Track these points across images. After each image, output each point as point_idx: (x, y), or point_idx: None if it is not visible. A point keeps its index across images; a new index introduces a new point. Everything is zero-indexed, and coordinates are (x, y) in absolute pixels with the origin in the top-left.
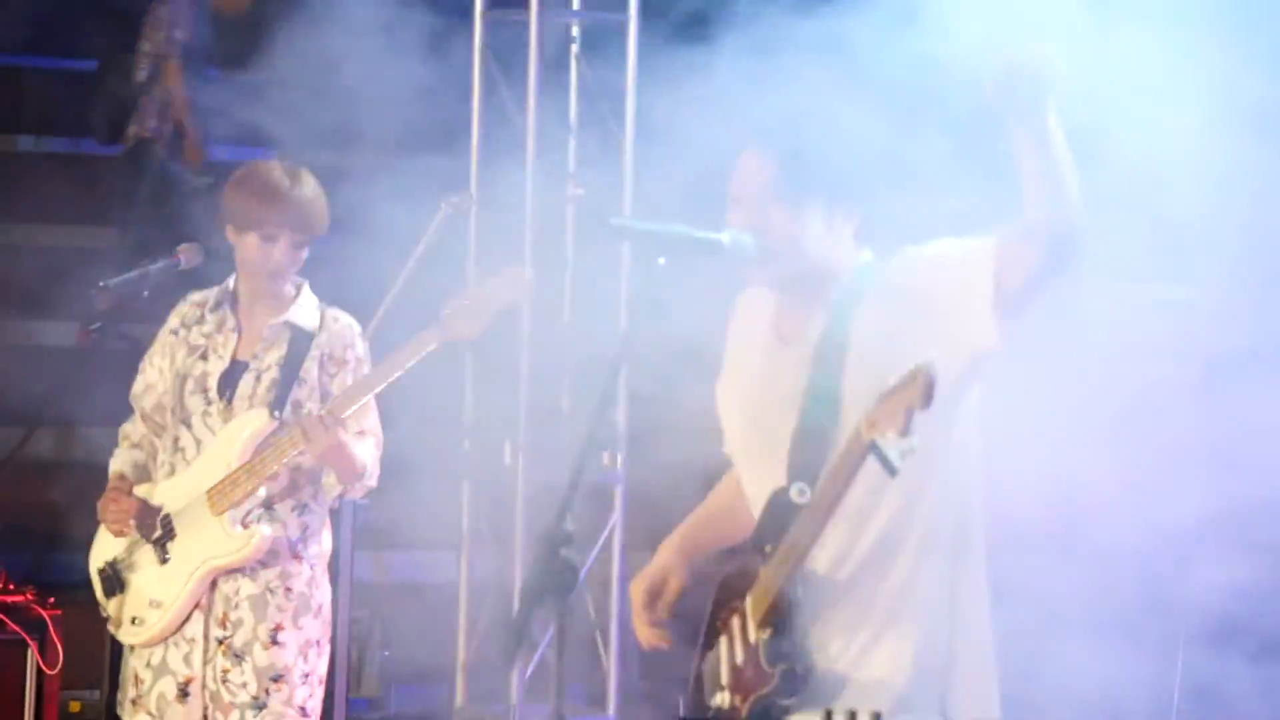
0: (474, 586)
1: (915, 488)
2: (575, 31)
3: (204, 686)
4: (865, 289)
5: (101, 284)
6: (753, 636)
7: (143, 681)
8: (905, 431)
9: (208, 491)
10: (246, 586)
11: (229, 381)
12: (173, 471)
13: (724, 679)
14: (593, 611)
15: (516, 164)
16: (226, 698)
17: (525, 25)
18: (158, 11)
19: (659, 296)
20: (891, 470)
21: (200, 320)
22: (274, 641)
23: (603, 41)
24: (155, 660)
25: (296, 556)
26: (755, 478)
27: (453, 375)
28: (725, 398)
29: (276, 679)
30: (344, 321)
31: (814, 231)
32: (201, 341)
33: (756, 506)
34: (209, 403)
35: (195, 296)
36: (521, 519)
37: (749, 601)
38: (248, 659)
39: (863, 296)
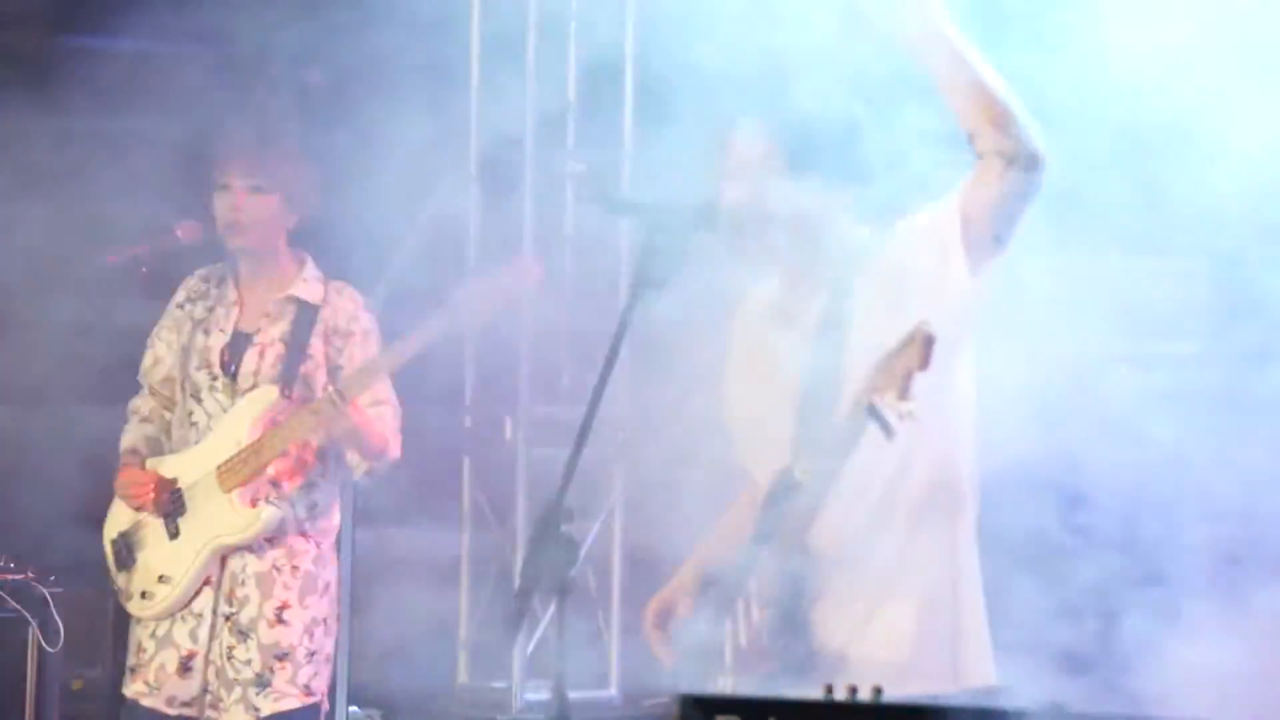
0: (475, 563)
1: (908, 453)
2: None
3: (208, 662)
4: (863, 265)
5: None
6: (755, 615)
7: (144, 651)
8: (904, 395)
9: (217, 468)
10: (254, 564)
11: (233, 355)
12: (184, 445)
13: (729, 659)
14: (594, 587)
15: (516, 142)
16: (230, 674)
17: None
18: None
19: (659, 273)
20: (889, 432)
21: (204, 295)
22: (279, 620)
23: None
24: (160, 632)
25: (304, 534)
26: (763, 460)
27: (453, 353)
28: (730, 392)
29: (281, 657)
30: (347, 294)
31: (812, 204)
32: (204, 315)
33: (763, 490)
34: (214, 377)
35: (201, 271)
36: (522, 496)
37: (751, 582)
38: (253, 636)
39: (861, 273)
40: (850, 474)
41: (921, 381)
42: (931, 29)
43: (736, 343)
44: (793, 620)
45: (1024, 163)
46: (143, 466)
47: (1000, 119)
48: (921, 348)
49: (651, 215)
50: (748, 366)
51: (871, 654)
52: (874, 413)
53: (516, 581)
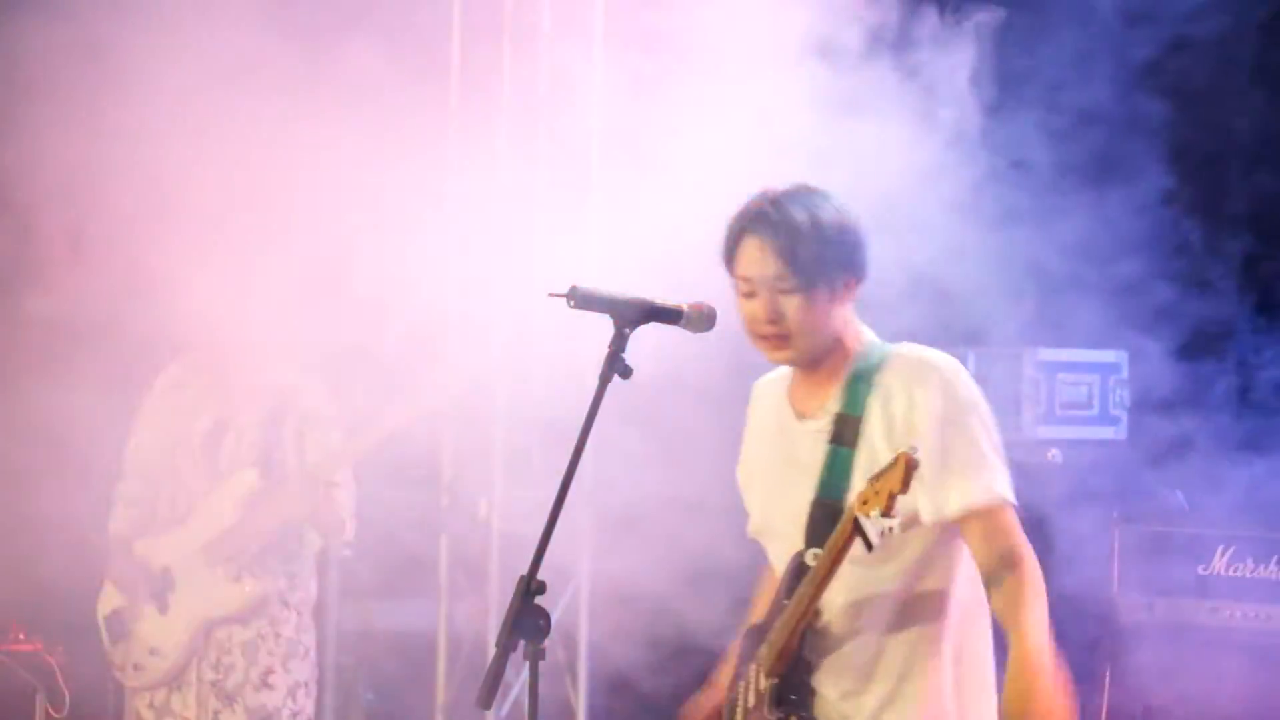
0: (452, 633)
1: (915, 564)
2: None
3: None
4: (876, 372)
5: None
6: (761, 684)
7: None
8: (888, 513)
9: (202, 548)
10: (239, 633)
11: (213, 441)
12: (170, 525)
13: None
14: (563, 656)
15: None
16: None
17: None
18: None
19: (626, 361)
20: (869, 546)
21: (186, 383)
22: (265, 684)
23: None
24: (158, 701)
25: (285, 604)
26: (780, 550)
27: (431, 437)
28: (747, 478)
29: None
30: (316, 381)
31: (822, 314)
32: (187, 402)
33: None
34: (195, 462)
35: (181, 359)
36: (496, 570)
37: (761, 651)
38: (239, 701)
39: (875, 380)
40: (861, 569)
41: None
42: None
43: (755, 444)
44: (794, 692)
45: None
46: (130, 551)
47: None
48: (903, 472)
49: (618, 309)
50: (766, 463)
51: None
52: (857, 526)
53: (491, 650)
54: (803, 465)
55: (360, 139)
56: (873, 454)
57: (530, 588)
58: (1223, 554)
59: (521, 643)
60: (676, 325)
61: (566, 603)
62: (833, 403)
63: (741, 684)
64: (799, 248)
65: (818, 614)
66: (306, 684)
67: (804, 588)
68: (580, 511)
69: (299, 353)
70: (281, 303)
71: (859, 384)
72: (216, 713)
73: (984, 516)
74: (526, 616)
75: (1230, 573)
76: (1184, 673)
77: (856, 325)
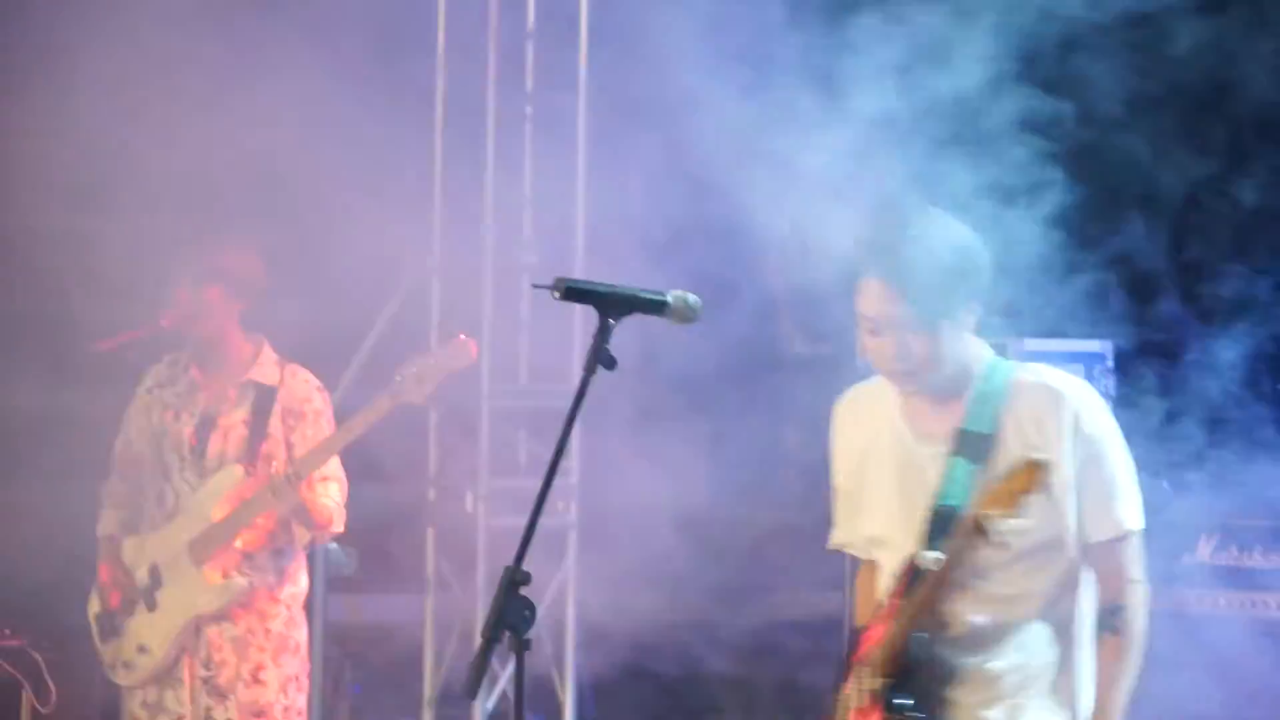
0: (439, 626)
1: (1053, 585)
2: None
3: None
4: (1005, 395)
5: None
6: (873, 684)
7: (139, 718)
8: (1011, 513)
9: (189, 544)
10: (229, 629)
11: (200, 438)
12: (158, 522)
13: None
14: (549, 648)
15: (474, 228)
16: None
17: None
18: None
19: (611, 352)
20: (993, 545)
21: (171, 380)
22: (256, 680)
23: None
24: (151, 699)
25: (274, 599)
26: (895, 560)
27: (418, 431)
28: (853, 492)
29: (259, 714)
30: (302, 376)
31: (948, 347)
32: (172, 400)
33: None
34: (183, 459)
35: (168, 357)
36: (482, 563)
37: (873, 652)
38: (231, 697)
39: (1004, 403)
40: (1000, 579)
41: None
42: None
43: (866, 459)
44: (913, 694)
45: None
46: (119, 551)
47: None
48: (1034, 473)
49: (603, 300)
50: (887, 481)
51: None
52: (982, 527)
53: (477, 641)
54: (930, 485)
55: (346, 128)
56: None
57: (516, 579)
58: (1208, 542)
59: (507, 634)
60: (661, 316)
61: (554, 594)
62: (956, 422)
63: (852, 683)
64: (920, 291)
65: (957, 624)
66: (298, 678)
67: (924, 590)
68: (568, 503)
69: (284, 347)
70: (264, 296)
71: (985, 404)
72: (209, 709)
73: (1114, 546)
74: (512, 607)
75: (1216, 561)
76: (1167, 662)
77: (976, 344)
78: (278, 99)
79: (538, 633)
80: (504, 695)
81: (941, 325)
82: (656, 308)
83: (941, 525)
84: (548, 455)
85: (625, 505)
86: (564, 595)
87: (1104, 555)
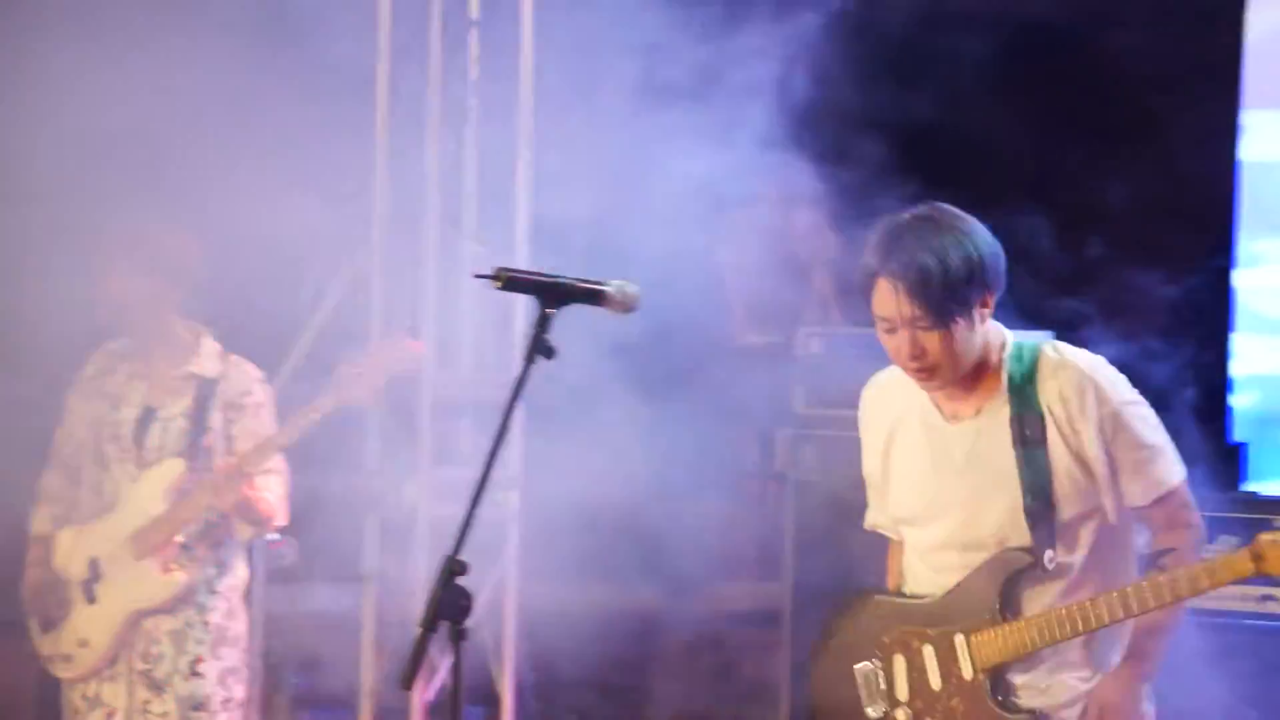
0: (378, 617)
1: (1091, 553)
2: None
3: (128, 718)
4: (1036, 373)
5: None
6: (967, 675)
7: (78, 713)
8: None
9: (130, 537)
10: (166, 622)
11: (140, 429)
12: (96, 514)
13: (903, 696)
14: (489, 639)
15: (416, 213)
16: None
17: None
18: None
19: (551, 342)
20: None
21: (112, 370)
22: (194, 673)
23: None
24: (90, 693)
25: (213, 591)
26: (927, 537)
27: (359, 421)
28: (891, 470)
29: (197, 707)
30: (244, 368)
31: (964, 342)
32: (113, 390)
33: (925, 560)
34: (123, 450)
35: (109, 346)
36: (423, 553)
37: (970, 641)
38: (169, 689)
39: (1038, 382)
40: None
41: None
42: None
43: (893, 442)
44: (1020, 691)
45: None
46: (50, 554)
47: None
48: None
49: (542, 290)
50: (916, 462)
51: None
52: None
53: (415, 631)
54: (959, 463)
55: (287, 117)
56: (1057, 451)
57: (454, 569)
58: None
59: (445, 624)
60: (600, 306)
61: (494, 584)
62: (995, 405)
63: (901, 659)
64: (931, 291)
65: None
66: (237, 669)
67: (1121, 601)
68: (508, 493)
69: (223, 337)
70: (202, 284)
71: (1024, 386)
72: (146, 703)
73: (1161, 504)
74: (449, 597)
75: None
76: None
77: (996, 330)
78: (218, 87)
79: (477, 624)
80: (444, 686)
81: (955, 323)
82: (596, 297)
83: (1042, 521)
84: (487, 445)
85: (567, 495)
86: (504, 586)
87: (1153, 514)
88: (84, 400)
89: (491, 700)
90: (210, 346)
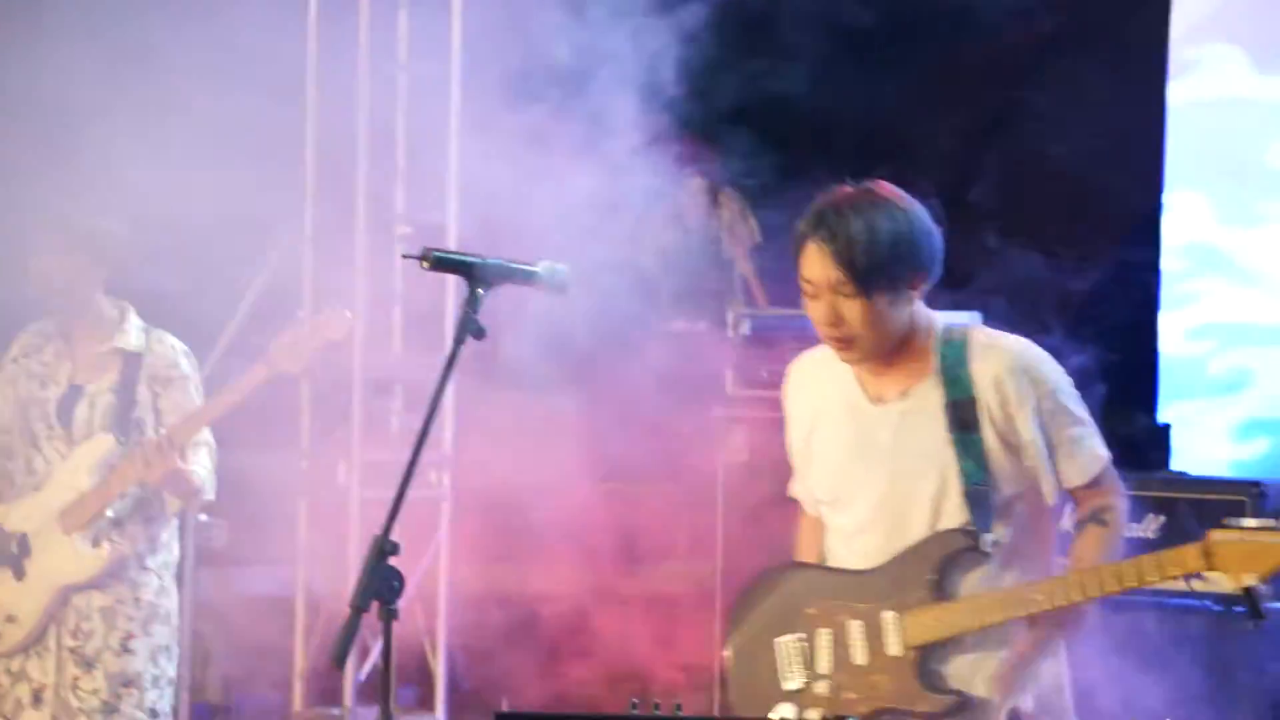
0: (310, 598)
1: (1020, 532)
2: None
3: (57, 694)
4: (966, 358)
5: None
6: (895, 651)
7: (2, 686)
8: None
9: (59, 513)
10: (97, 598)
11: (67, 407)
12: (26, 491)
13: (824, 669)
14: (421, 619)
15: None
16: (75, 704)
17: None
18: None
19: (480, 322)
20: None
21: (39, 349)
22: (125, 649)
23: None
24: (15, 667)
25: (145, 568)
26: (849, 521)
27: (290, 401)
28: (813, 451)
29: (127, 684)
30: (168, 342)
31: (883, 317)
32: (39, 369)
33: (848, 544)
34: (51, 428)
35: (34, 326)
36: (354, 534)
37: (900, 621)
38: (99, 666)
39: (969, 366)
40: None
41: None
42: None
43: (817, 421)
44: (950, 670)
45: None
46: None
47: None
48: None
49: (471, 270)
50: (838, 442)
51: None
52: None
53: (347, 612)
54: (883, 446)
55: (215, 93)
56: (989, 434)
57: (384, 548)
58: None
59: (376, 604)
60: (531, 286)
61: (426, 565)
62: (923, 388)
63: (825, 632)
64: (855, 257)
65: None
66: (168, 647)
67: (1063, 589)
68: (440, 474)
69: (154, 318)
70: (129, 263)
71: (955, 370)
72: (75, 679)
73: (1096, 481)
74: (380, 577)
75: None
76: None
77: (925, 314)
78: (140, 61)
79: (409, 603)
80: (376, 666)
81: (877, 295)
82: (525, 277)
83: (981, 505)
84: (418, 426)
85: (499, 476)
86: (436, 566)
87: (1088, 490)
88: (10, 383)
89: (424, 679)
90: (134, 322)
